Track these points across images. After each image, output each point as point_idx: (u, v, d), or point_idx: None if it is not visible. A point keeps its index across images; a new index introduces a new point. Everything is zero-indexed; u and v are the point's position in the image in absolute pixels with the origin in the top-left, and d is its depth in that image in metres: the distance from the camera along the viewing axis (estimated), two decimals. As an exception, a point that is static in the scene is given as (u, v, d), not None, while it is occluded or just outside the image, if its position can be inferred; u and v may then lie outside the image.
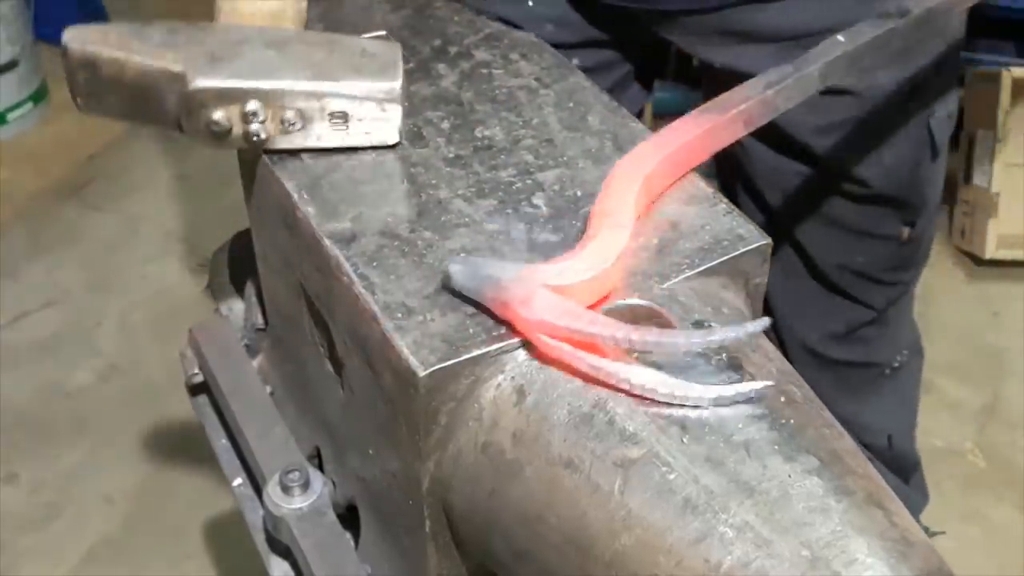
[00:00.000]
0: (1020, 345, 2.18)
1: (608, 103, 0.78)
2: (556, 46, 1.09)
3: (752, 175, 1.23)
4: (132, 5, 3.10)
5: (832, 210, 1.20)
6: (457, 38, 0.86)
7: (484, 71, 0.82)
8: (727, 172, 1.29)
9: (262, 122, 0.71)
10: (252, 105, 0.71)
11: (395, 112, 0.73)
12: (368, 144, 0.74)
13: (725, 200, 0.69)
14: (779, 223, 1.24)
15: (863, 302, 1.30)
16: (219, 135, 0.72)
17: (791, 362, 1.18)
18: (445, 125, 0.76)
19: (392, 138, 0.74)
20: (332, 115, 0.72)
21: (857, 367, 1.36)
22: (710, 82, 1.22)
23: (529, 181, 0.71)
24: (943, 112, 1.15)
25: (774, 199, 1.22)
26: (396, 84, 0.73)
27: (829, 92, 1.06)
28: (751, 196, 1.26)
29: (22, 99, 2.69)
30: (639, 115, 1.24)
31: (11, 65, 2.63)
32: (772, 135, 1.14)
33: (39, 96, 2.74)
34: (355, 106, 0.72)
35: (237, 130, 0.72)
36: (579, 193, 0.70)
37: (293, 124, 0.72)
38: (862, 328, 1.33)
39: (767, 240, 0.67)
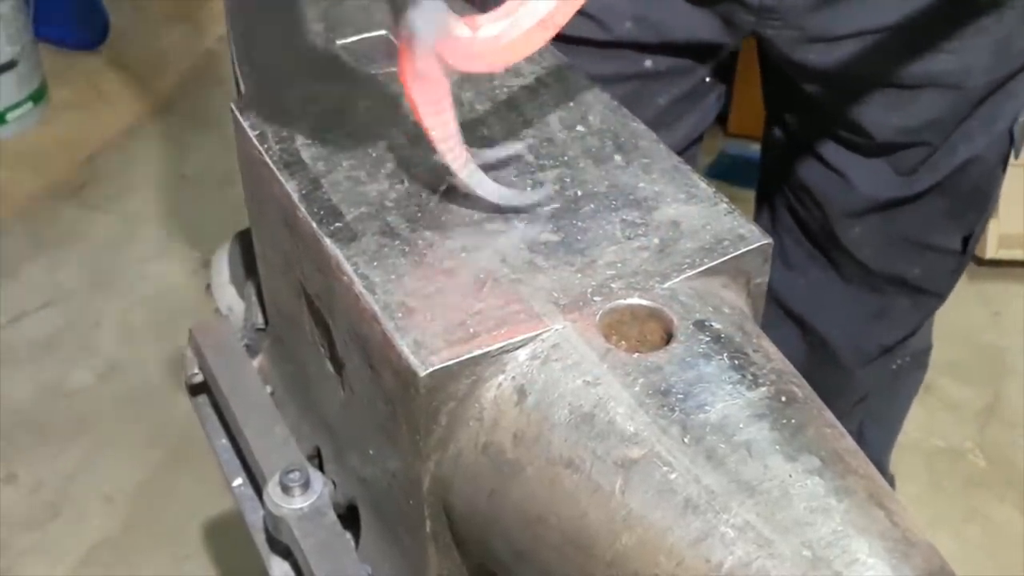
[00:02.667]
0: (1021, 345, 2.18)
1: (608, 103, 0.78)
2: (630, 46, 1.07)
3: (813, 179, 1.21)
4: (134, 5, 3.11)
5: (898, 216, 1.19)
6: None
7: (484, 71, 0.82)
8: (782, 180, 1.28)
9: None
10: None
11: None
12: None
13: (726, 200, 0.69)
14: (837, 228, 1.22)
15: (906, 318, 1.29)
16: None
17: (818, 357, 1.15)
18: (445, 125, 0.76)
19: None
20: None
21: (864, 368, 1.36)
22: (778, 91, 1.21)
23: (529, 181, 0.71)
24: None
25: (838, 203, 1.21)
26: None
27: (922, 86, 1.06)
28: (803, 195, 1.24)
29: (21, 99, 2.69)
30: (702, 133, 1.23)
31: (10, 65, 2.63)
32: (852, 136, 1.13)
33: (38, 96, 2.74)
34: None
35: None
36: (579, 193, 0.70)
37: None
38: (896, 347, 1.33)
39: (768, 240, 0.67)
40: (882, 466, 1.51)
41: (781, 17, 1.05)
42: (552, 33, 0.65)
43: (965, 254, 1.24)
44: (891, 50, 1.05)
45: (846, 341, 1.32)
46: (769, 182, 1.32)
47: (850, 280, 1.27)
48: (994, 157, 1.16)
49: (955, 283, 1.30)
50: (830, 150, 1.17)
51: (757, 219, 1.37)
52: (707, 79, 1.16)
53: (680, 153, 1.18)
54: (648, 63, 1.08)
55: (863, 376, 1.34)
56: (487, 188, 0.67)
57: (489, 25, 0.64)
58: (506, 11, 0.64)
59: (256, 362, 0.91)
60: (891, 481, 1.56)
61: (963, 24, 1.03)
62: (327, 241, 0.67)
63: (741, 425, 0.55)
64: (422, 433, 0.61)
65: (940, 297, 1.30)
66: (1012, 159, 1.18)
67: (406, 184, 0.71)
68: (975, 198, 1.19)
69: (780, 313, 1.33)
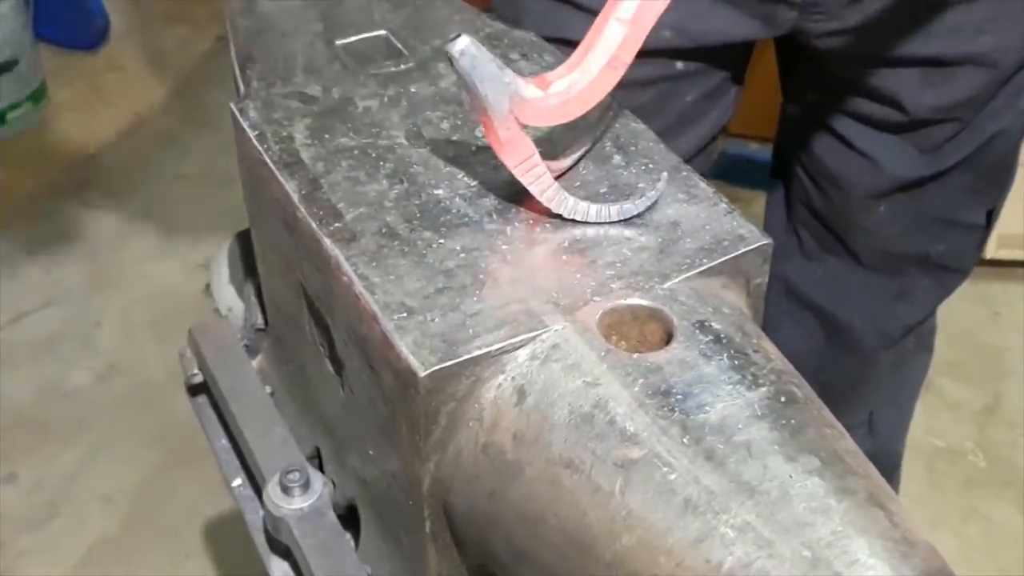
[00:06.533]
0: (1021, 345, 2.18)
1: (608, 103, 0.78)
2: (665, 53, 1.09)
3: (837, 164, 1.22)
4: (133, 5, 3.11)
5: (924, 194, 1.20)
6: (457, 38, 0.86)
7: (484, 71, 0.82)
8: (800, 173, 1.29)
9: None
10: None
11: None
12: None
13: (726, 200, 0.69)
14: (858, 212, 1.23)
15: (929, 296, 1.30)
16: None
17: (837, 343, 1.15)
18: (445, 125, 0.76)
19: None
20: None
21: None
22: (804, 79, 1.22)
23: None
24: None
25: (863, 186, 1.21)
26: None
27: (960, 64, 1.07)
28: (824, 182, 1.25)
29: (21, 99, 2.69)
30: (723, 127, 1.25)
31: (10, 65, 2.63)
32: (885, 115, 1.14)
33: (38, 96, 2.74)
34: None
35: None
36: (580, 193, 0.70)
37: None
38: (915, 328, 1.34)
39: (768, 240, 0.67)
40: (896, 456, 1.52)
41: (824, 10, 1.06)
42: (620, 73, 0.68)
43: (988, 228, 1.25)
44: (930, 30, 1.06)
45: (869, 325, 1.33)
46: (783, 176, 1.33)
47: (870, 264, 1.28)
48: (1018, 130, 1.18)
49: (977, 259, 1.31)
50: (857, 132, 1.18)
51: (770, 215, 1.38)
52: (730, 76, 1.17)
53: (703, 148, 1.20)
54: (679, 65, 1.10)
55: (884, 360, 1.35)
56: (592, 215, 0.68)
57: (558, 81, 0.67)
58: (572, 63, 0.68)
59: (256, 362, 0.91)
60: (899, 479, 1.56)
61: (1001, 3, 1.04)
62: (327, 241, 0.67)
63: (741, 425, 0.55)
64: (422, 434, 0.61)
65: (963, 273, 1.31)
66: None
67: (406, 184, 0.71)
68: (999, 172, 1.21)
69: (798, 305, 1.34)
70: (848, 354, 1.34)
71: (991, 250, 2.27)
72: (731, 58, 1.15)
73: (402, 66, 0.82)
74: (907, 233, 1.24)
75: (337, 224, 0.68)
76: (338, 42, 0.85)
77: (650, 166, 0.72)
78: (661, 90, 1.11)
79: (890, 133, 1.16)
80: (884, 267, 1.27)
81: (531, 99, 0.66)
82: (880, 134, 1.17)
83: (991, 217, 1.24)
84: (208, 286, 1.02)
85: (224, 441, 0.91)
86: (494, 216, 0.69)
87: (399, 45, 0.85)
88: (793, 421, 0.56)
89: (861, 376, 1.37)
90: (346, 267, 0.65)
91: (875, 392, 1.41)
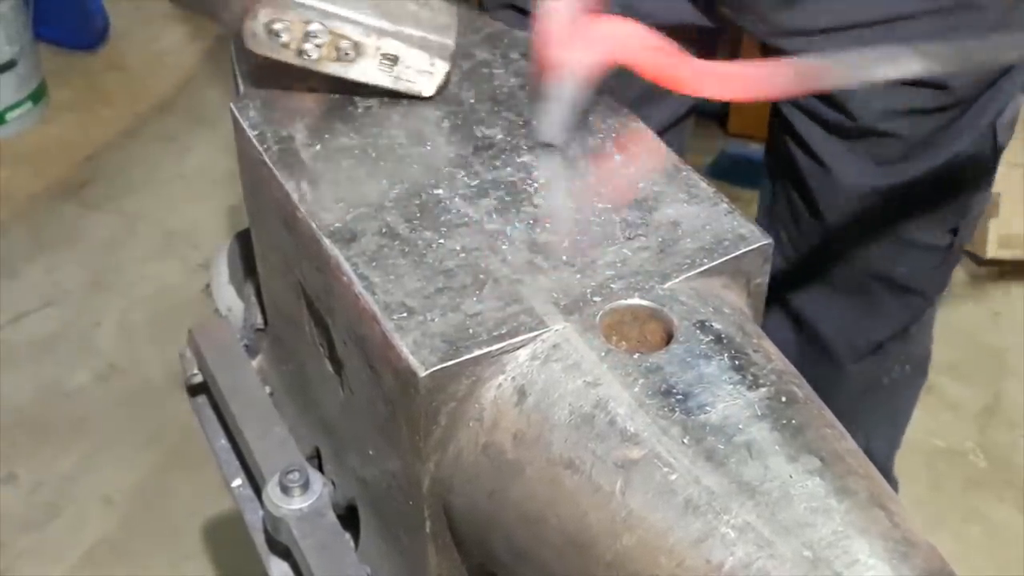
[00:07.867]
0: (1021, 345, 2.18)
1: (609, 102, 0.78)
2: None
3: (802, 168, 1.22)
4: (134, 6, 3.11)
5: (880, 211, 1.19)
6: (457, 37, 0.86)
7: (484, 70, 0.82)
8: (779, 171, 1.29)
9: (318, 45, 0.75)
10: (315, 26, 0.74)
11: (442, 69, 0.77)
12: (407, 91, 0.77)
13: (726, 200, 0.69)
14: (824, 227, 1.23)
15: (894, 316, 1.29)
16: (276, 43, 0.75)
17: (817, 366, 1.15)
18: (445, 125, 0.76)
19: (429, 91, 0.78)
20: (384, 56, 0.76)
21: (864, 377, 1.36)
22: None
23: (529, 180, 0.71)
24: (1010, 115, 1.15)
25: (823, 194, 1.21)
26: (451, 43, 0.78)
27: (911, 83, 1.07)
28: (799, 186, 1.25)
29: (21, 99, 2.69)
30: (692, 107, 1.26)
31: (10, 65, 2.63)
32: (836, 118, 1.14)
33: (38, 96, 2.74)
34: (408, 53, 0.76)
35: (293, 45, 0.75)
36: (580, 193, 0.70)
37: (346, 55, 0.75)
38: (887, 343, 1.33)
39: (768, 240, 0.67)
40: (886, 472, 1.51)
41: (752, 11, 1.07)
42: None
43: (951, 250, 1.24)
44: (868, 41, 1.05)
45: (837, 336, 1.33)
46: (771, 176, 1.34)
47: (839, 277, 1.28)
48: (977, 152, 1.17)
49: (943, 282, 1.30)
50: (813, 134, 1.18)
51: (758, 212, 1.39)
52: (693, 54, 1.17)
53: (672, 124, 1.20)
54: None
55: (856, 372, 1.35)
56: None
57: None
58: None
59: (255, 362, 0.91)
60: (895, 485, 1.56)
61: (944, 19, 1.04)
62: (326, 241, 0.67)
63: (741, 426, 0.55)
64: (422, 434, 0.61)
65: (925, 296, 1.29)
66: (995, 160, 1.19)
67: (406, 184, 0.71)
68: (958, 194, 1.20)
69: (775, 306, 1.34)
70: (820, 362, 1.34)
71: (991, 250, 2.27)
72: (689, 38, 1.15)
73: (402, 66, 0.82)
74: (866, 251, 1.23)
75: (337, 224, 0.68)
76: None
77: (650, 166, 0.72)
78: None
79: (842, 138, 1.16)
80: (850, 281, 1.27)
81: None
82: (833, 138, 1.17)
83: (954, 241, 1.23)
84: (208, 286, 1.02)
85: (224, 441, 0.91)
86: (494, 216, 0.68)
87: (399, 45, 0.85)
88: (794, 421, 0.56)
89: (834, 385, 1.35)
90: (346, 267, 0.65)
91: (866, 419, 1.39)
